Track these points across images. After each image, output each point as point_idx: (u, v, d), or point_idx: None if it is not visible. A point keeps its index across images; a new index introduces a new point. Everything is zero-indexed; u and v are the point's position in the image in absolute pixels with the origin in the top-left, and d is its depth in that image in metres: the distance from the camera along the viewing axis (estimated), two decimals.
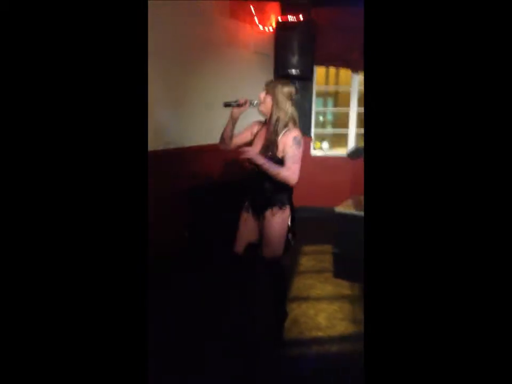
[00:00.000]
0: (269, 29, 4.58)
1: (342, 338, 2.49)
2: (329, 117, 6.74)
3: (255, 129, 2.37)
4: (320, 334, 2.53)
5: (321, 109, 6.26)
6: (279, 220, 2.27)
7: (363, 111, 5.38)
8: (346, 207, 3.95)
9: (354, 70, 4.98)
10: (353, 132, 5.23)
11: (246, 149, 2.17)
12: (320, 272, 3.49)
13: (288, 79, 2.51)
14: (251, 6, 4.18)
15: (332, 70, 5.74)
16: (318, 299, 2.98)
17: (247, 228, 2.39)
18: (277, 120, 2.18)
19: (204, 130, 3.72)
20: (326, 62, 5.00)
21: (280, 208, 2.28)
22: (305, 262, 3.73)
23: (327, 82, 6.05)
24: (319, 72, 5.51)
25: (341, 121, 5.59)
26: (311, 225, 4.72)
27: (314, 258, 3.80)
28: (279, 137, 2.18)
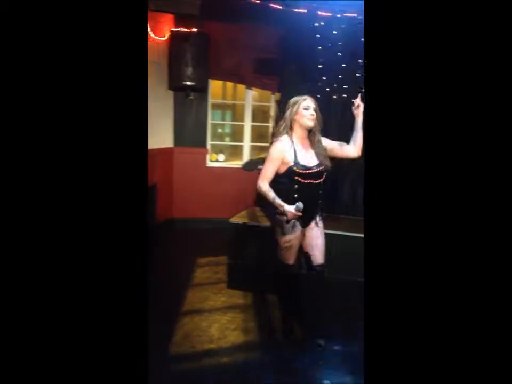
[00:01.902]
0: (162, 39, 4.52)
1: (233, 348, 2.50)
2: (227, 130, 6.86)
3: (287, 151, 2.28)
4: (212, 346, 2.51)
5: (219, 121, 6.34)
6: (323, 226, 2.47)
7: (256, 125, 5.58)
8: (241, 218, 4.01)
9: (247, 85, 5.14)
10: (247, 145, 5.38)
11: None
12: (215, 283, 3.48)
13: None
14: None
15: (229, 84, 5.86)
16: (211, 311, 2.97)
17: (298, 240, 2.39)
18: (318, 131, 2.35)
19: None
20: (221, 76, 5.08)
21: (323, 215, 2.47)
22: (200, 274, 3.70)
23: (224, 96, 6.16)
24: (216, 85, 5.59)
25: (240, 134, 5.72)
26: (206, 236, 4.71)
27: (209, 270, 3.78)
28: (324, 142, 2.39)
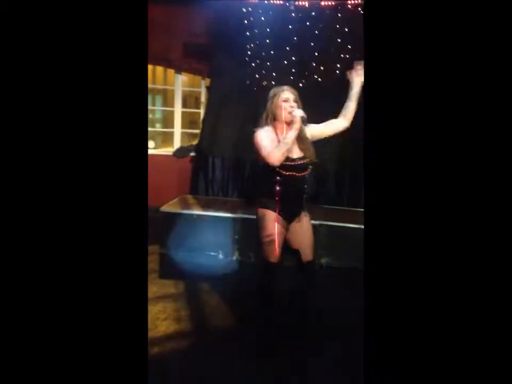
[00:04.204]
0: None
1: (164, 338, 2.48)
2: (158, 115, 6.68)
3: (273, 135, 2.22)
4: None
5: (149, 107, 6.14)
6: (309, 221, 2.38)
7: (187, 111, 5.48)
8: (172, 207, 3.96)
9: (176, 70, 5.02)
10: (178, 131, 5.27)
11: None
12: None
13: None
14: None
15: (159, 68, 5.69)
16: None
17: (280, 236, 2.26)
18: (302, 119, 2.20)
19: None
20: (148, 60, 4.90)
21: (306, 209, 2.37)
22: None
23: (154, 81, 5.97)
24: None
25: (172, 120, 5.59)
26: None
27: None
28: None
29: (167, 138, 5.70)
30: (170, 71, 5.37)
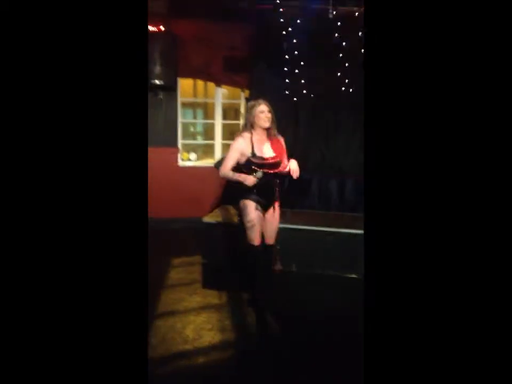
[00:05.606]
0: None
1: (210, 348, 2.49)
2: (199, 128, 6.81)
3: (246, 145, 2.66)
4: (187, 347, 2.49)
5: (190, 120, 6.29)
6: (279, 211, 2.84)
7: (228, 122, 5.56)
8: (214, 217, 4.00)
9: (217, 83, 5.12)
10: (219, 143, 5.36)
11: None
12: (189, 284, 3.45)
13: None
14: None
15: (200, 82, 5.82)
16: (186, 312, 2.94)
17: (259, 221, 2.73)
18: (273, 128, 2.71)
19: None
20: (189, 74, 5.04)
21: (279, 201, 2.84)
22: (174, 275, 3.66)
23: (195, 94, 6.11)
24: (186, 83, 5.54)
25: (213, 132, 5.69)
26: (180, 236, 4.67)
27: (184, 271, 3.76)
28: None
29: (208, 150, 5.80)
30: (211, 85, 5.47)
